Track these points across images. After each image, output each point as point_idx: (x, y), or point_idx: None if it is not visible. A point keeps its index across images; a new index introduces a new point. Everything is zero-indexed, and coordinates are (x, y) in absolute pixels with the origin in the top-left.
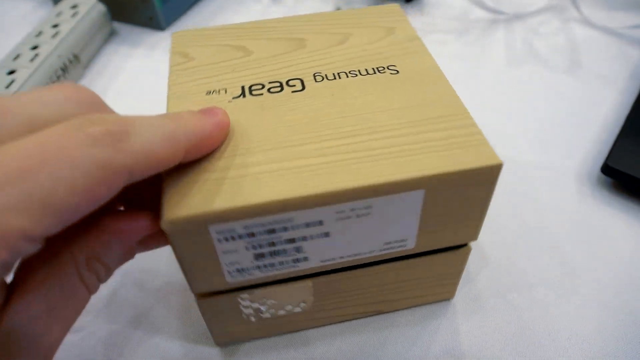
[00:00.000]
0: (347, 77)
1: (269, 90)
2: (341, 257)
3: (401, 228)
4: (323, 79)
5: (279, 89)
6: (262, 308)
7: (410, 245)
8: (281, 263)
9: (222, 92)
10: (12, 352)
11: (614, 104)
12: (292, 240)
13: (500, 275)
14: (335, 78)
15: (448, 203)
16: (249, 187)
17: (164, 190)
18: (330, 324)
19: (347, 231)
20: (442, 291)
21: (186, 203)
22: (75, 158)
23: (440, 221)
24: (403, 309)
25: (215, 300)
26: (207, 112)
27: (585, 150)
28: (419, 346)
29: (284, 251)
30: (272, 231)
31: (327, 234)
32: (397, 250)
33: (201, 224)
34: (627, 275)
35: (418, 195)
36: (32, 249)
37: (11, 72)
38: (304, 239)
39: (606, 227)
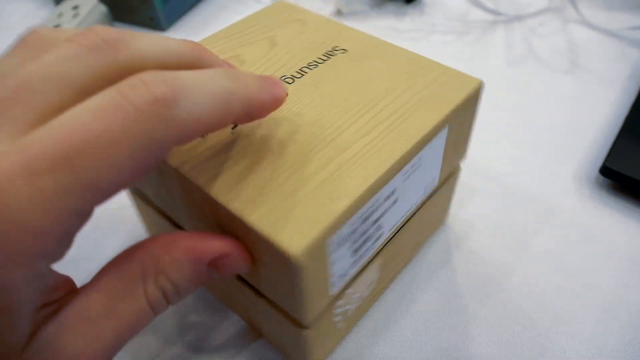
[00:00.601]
0: (311, 69)
1: None
2: (399, 219)
3: (433, 169)
4: (293, 80)
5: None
6: (348, 307)
7: (435, 184)
8: (367, 249)
9: None
10: None
11: (613, 105)
12: (376, 220)
13: (499, 283)
14: (302, 75)
15: (454, 131)
16: (338, 186)
17: (259, 231)
18: (377, 299)
19: (405, 190)
20: (440, 219)
21: (298, 229)
22: (117, 139)
23: (450, 150)
24: (418, 251)
25: (318, 322)
26: (267, 80)
27: (584, 151)
28: None
29: (370, 235)
30: (366, 218)
31: (395, 201)
32: (428, 193)
33: (322, 242)
34: (626, 276)
35: (445, 133)
36: (81, 222)
37: None
38: (383, 214)
39: (604, 228)
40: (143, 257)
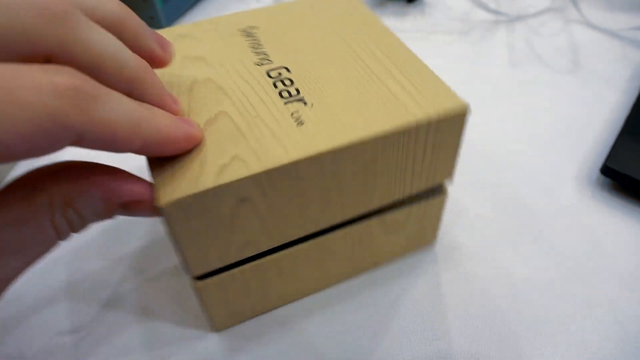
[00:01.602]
0: (271, 57)
1: (297, 97)
2: None
3: None
4: (271, 64)
5: (297, 94)
6: None
7: None
8: None
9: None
10: None
11: (614, 105)
12: None
13: (497, 282)
14: (269, 60)
15: None
16: (435, 98)
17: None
18: None
19: None
20: None
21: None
22: (28, 101)
23: None
24: None
25: None
26: (183, 119)
27: (585, 151)
28: None
29: None
30: None
31: None
32: None
33: None
34: (626, 277)
35: None
36: None
37: None
38: None
39: (605, 228)
40: (53, 189)
